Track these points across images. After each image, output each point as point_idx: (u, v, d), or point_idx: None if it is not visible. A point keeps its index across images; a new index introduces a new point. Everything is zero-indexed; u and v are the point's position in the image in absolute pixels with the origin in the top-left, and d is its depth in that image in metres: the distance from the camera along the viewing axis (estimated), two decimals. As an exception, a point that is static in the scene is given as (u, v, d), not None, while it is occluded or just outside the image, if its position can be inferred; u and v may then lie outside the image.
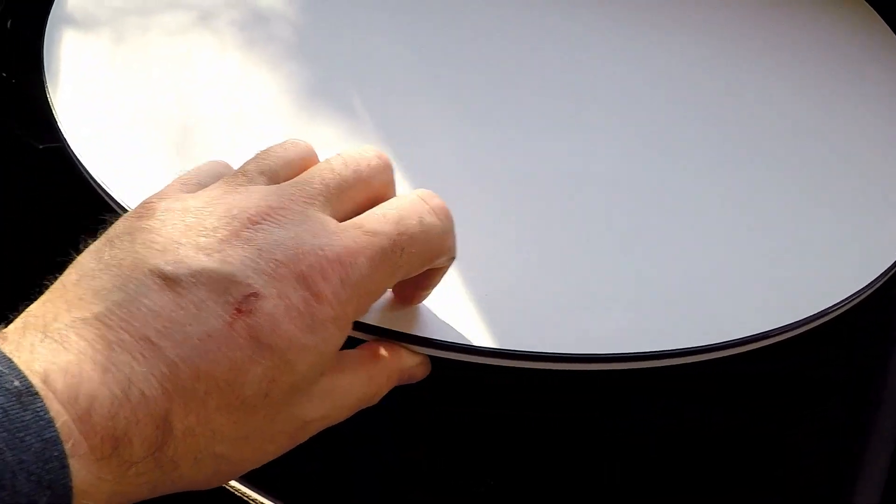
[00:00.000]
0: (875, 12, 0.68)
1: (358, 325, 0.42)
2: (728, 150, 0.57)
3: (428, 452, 0.54)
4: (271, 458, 0.36)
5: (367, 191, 0.39)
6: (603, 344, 0.45)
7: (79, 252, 0.36)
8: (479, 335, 0.44)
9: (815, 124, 0.59)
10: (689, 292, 0.48)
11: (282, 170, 0.39)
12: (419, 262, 0.39)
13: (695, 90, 0.61)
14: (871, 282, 0.49)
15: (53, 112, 0.54)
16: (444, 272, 0.42)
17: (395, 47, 0.61)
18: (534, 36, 0.62)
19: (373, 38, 0.61)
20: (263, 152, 0.40)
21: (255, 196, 0.36)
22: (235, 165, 0.41)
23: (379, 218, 0.37)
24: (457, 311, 0.45)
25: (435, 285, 0.43)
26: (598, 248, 0.50)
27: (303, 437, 0.37)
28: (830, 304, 0.48)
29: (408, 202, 0.39)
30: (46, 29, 0.59)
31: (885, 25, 0.67)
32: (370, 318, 0.42)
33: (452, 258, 0.41)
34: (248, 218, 0.34)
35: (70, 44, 0.58)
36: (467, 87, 0.58)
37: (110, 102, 0.55)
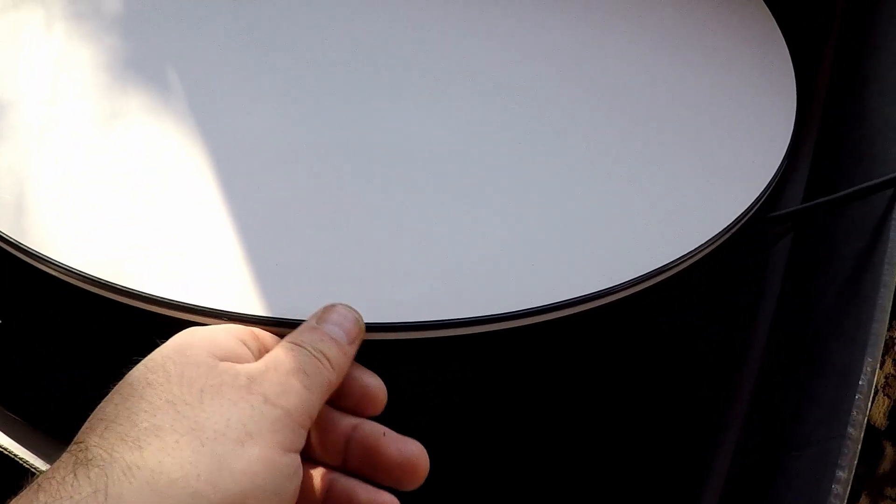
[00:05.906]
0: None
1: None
2: (559, 113, 0.54)
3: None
4: None
5: None
6: (409, 312, 0.42)
7: None
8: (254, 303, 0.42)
9: (671, 90, 0.57)
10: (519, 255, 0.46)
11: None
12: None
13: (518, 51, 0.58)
14: (701, 245, 0.47)
15: None
16: None
17: (221, 16, 0.58)
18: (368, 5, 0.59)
19: (200, 7, 0.58)
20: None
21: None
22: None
23: None
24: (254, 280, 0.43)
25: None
26: (413, 213, 0.47)
27: None
28: (666, 262, 0.46)
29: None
30: None
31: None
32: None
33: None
34: None
35: None
36: (292, 58, 0.55)
37: None
